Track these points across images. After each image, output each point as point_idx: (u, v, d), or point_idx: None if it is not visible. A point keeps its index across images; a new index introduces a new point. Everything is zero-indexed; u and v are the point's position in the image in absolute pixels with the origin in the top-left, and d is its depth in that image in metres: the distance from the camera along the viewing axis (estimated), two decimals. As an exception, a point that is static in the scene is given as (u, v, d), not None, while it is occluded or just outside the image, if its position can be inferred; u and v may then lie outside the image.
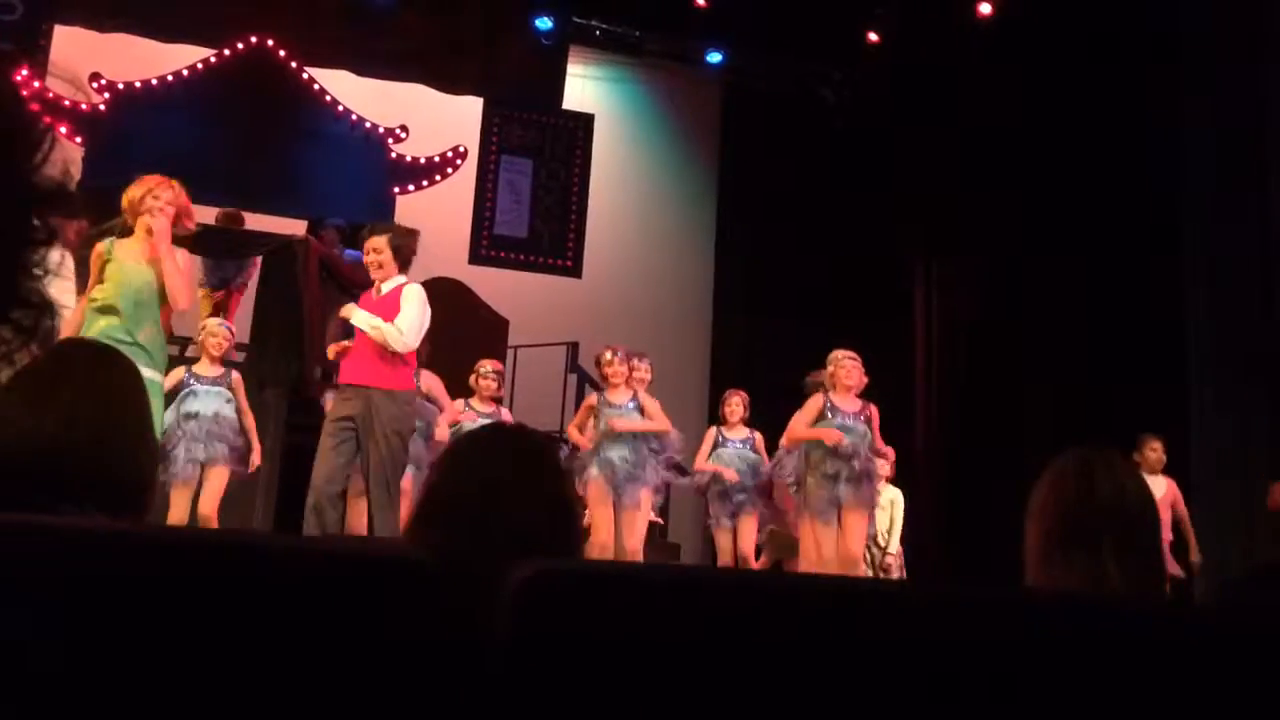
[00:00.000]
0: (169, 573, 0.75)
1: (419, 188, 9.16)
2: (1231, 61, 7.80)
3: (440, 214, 9.15)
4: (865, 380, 5.88)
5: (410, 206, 8.91)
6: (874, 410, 5.92)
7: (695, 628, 0.80)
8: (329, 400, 5.26)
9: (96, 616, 0.73)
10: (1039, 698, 0.85)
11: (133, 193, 4.18)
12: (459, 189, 9.39)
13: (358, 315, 4.75)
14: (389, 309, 4.77)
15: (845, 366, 5.80)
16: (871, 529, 6.42)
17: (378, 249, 4.85)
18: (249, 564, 0.76)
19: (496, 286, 9.02)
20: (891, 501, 7.00)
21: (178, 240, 4.32)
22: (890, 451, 6.14)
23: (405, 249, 4.87)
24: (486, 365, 6.40)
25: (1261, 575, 1.44)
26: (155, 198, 4.15)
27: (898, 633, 0.85)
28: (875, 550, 6.87)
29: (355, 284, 6.14)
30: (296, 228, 8.19)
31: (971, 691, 0.85)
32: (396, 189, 8.99)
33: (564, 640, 0.78)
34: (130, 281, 4.07)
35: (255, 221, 8.16)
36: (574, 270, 9.77)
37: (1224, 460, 7.36)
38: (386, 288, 4.84)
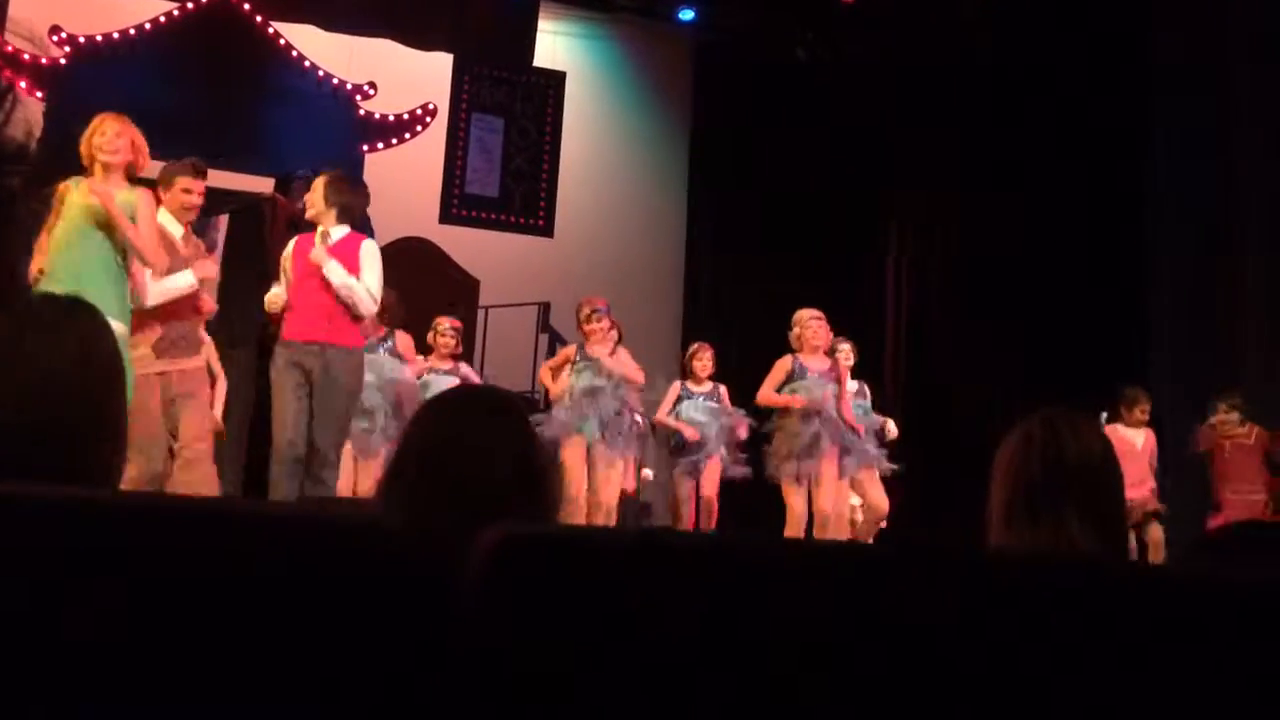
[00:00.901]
0: (126, 541, 0.74)
1: (388, 145, 9.05)
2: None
3: (410, 172, 9.06)
4: (831, 337, 5.94)
5: (379, 165, 8.81)
6: (842, 365, 5.98)
7: (664, 592, 0.80)
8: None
9: (48, 587, 0.73)
10: (1002, 658, 0.86)
11: (84, 139, 4.07)
12: (429, 147, 9.29)
13: (332, 268, 4.51)
14: (340, 257, 4.60)
15: (811, 327, 5.82)
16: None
17: (314, 190, 4.74)
18: (214, 532, 0.76)
19: (467, 246, 8.96)
20: None
21: (142, 180, 4.21)
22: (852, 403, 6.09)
23: (345, 206, 4.67)
24: (444, 323, 6.37)
25: (1224, 539, 1.46)
26: (102, 134, 4.03)
27: (870, 594, 0.86)
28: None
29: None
30: (263, 185, 8.09)
31: (939, 652, 0.86)
32: (365, 147, 8.88)
33: (532, 605, 0.78)
34: (79, 221, 3.94)
35: (221, 179, 8.04)
36: (546, 230, 9.71)
37: (1181, 397, 7.47)
38: (336, 234, 4.63)
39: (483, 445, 1.58)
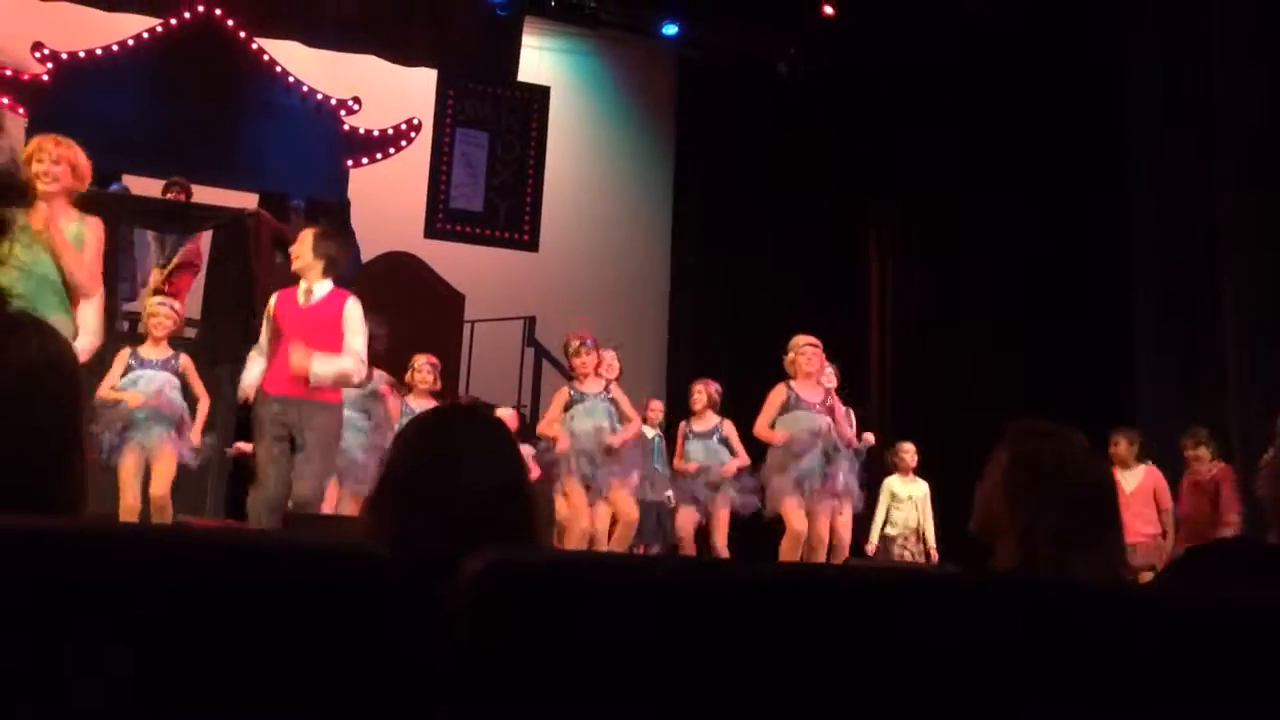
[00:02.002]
0: (106, 573, 0.74)
1: (373, 160, 9.05)
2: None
3: (395, 187, 9.07)
4: (825, 365, 5.91)
5: (364, 180, 8.81)
6: (832, 386, 5.97)
7: (652, 617, 0.80)
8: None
9: (29, 618, 0.72)
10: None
11: (24, 161, 4.01)
12: (413, 162, 9.30)
13: (318, 375, 4.52)
14: (324, 317, 4.62)
15: (806, 354, 5.77)
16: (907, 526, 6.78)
17: (301, 241, 4.73)
18: (204, 563, 0.75)
19: (452, 260, 8.95)
20: (924, 496, 7.11)
21: (83, 204, 4.12)
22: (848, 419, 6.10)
23: (333, 259, 4.68)
24: (420, 359, 6.21)
25: (1205, 557, 1.45)
26: (39, 160, 3.95)
27: (866, 621, 0.87)
28: (914, 547, 7.01)
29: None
30: (248, 200, 8.07)
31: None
32: (350, 162, 8.87)
33: (520, 629, 0.78)
34: (34, 257, 3.88)
35: (205, 194, 8.03)
36: (530, 244, 9.72)
37: (1166, 401, 7.45)
38: (319, 291, 4.65)
39: (466, 463, 1.57)
